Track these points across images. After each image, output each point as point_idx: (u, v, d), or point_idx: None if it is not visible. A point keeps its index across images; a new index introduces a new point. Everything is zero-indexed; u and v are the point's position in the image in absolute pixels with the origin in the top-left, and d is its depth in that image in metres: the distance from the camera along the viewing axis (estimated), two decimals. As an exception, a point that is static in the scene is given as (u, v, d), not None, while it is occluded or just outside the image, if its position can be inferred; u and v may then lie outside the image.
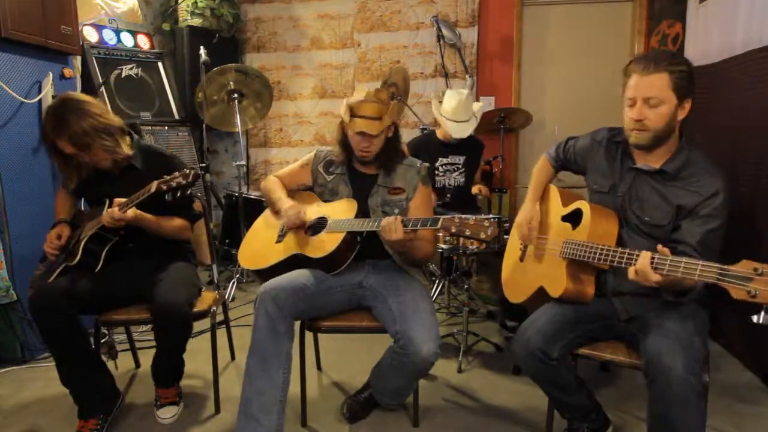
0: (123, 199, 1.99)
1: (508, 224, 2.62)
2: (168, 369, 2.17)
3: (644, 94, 1.61)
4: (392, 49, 4.56)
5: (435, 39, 4.22)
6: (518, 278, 2.04)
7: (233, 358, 2.71)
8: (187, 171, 1.95)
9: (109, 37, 3.78)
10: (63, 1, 2.87)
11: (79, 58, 3.40)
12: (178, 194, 1.95)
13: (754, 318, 1.24)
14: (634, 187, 1.76)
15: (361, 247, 2.00)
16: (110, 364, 2.33)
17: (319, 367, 2.63)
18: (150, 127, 3.71)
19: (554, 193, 2.01)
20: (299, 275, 1.97)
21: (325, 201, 2.14)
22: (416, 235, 1.87)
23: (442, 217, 1.73)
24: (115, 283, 2.06)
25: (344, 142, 2.11)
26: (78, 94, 2.14)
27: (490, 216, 2.63)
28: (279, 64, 4.78)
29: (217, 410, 2.22)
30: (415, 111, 4.00)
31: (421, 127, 3.91)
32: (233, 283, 3.71)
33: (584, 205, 1.82)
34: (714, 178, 1.62)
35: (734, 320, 2.62)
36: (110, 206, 1.99)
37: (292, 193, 2.21)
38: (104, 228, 2.03)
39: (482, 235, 1.65)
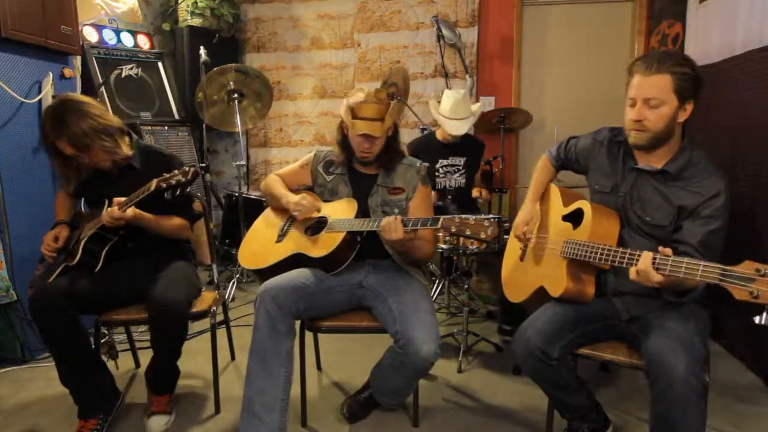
0: (122, 199, 1.99)
1: (508, 224, 2.62)
2: (162, 373, 2.12)
3: (645, 94, 1.61)
4: (392, 49, 4.56)
5: (435, 39, 4.23)
6: (518, 278, 2.04)
7: (233, 358, 2.71)
8: (187, 169, 1.95)
9: (109, 37, 3.78)
10: (63, 1, 2.87)
11: (79, 58, 3.40)
12: (178, 192, 1.95)
13: (756, 319, 1.24)
14: (635, 187, 1.76)
15: (361, 247, 2.00)
16: (110, 364, 2.32)
17: (319, 367, 2.63)
18: (150, 127, 3.71)
19: (555, 192, 2.01)
20: (299, 274, 1.96)
21: (325, 201, 2.14)
22: (416, 235, 1.87)
23: (442, 217, 1.73)
24: (114, 283, 2.06)
25: (344, 143, 2.11)
26: (77, 95, 2.14)
27: (490, 216, 2.63)
28: (279, 64, 4.78)
29: (217, 410, 2.22)
30: (415, 111, 4.00)
31: (421, 127, 3.91)
32: (233, 283, 3.71)
33: (585, 205, 1.82)
34: (715, 178, 1.62)
35: (736, 321, 2.62)
36: (110, 206, 1.99)
37: (292, 192, 2.21)
38: (104, 228, 2.03)
39: (482, 235, 1.65)
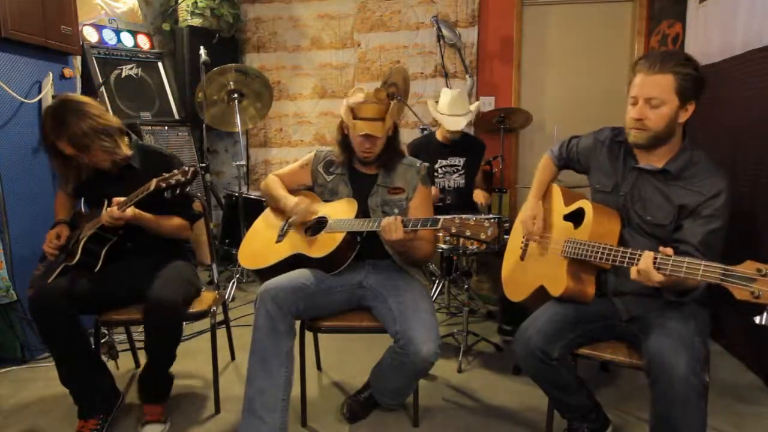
0: (122, 199, 1.99)
1: (508, 224, 2.62)
2: (156, 380, 2.08)
3: (647, 93, 1.61)
4: (392, 49, 4.56)
5: (435, 39, 4.23)
6: (518, 277, 2.04)
7: (233, 358, 2.71)
8: (186, 168, 1.95)
9: (109, 37, 3.78)
10: (63, 1, 2.87)
11: (79, 58, 3.40)
12: (177, 192, 1.95)
13: (757, 319, 1.24)
14: (636, 186, 1.76)
15: (361, 247, 2.00)
16: (110, 364, 2.33)
17: (319, 367, 2.63)
18: (150, 127, 3.71)
19: (556, 192, 2.01)
20: (299, 275, 1.97)
21: (325, 201, 2.14)
22: (416, 235, 1.87)
23: (443, 217, 1.73)
24: (114, 283, 2.05)
25: (344, 143, 2.11)
26: (76, 95, 2.14)
27: (491, 216, 2.63)
28: (279, 64, 4.78)
29: (217, 410, 2.22)
30: (415, 111, 4.00)
31: (421, 127, 3.91)
32: (233, 283, 3.71)
33: (586, 205, 1.82)
34: (716, 178, 1.62)
35: (736, 321, 2.62)
36: (109, 206, 1.99)
37: (292, 192, 2.21)
38: (103, 228, 2.03)
39: (482, 236, 1.65)
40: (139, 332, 2.88)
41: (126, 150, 2.10)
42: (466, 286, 2.78)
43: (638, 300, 1.73)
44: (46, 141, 2.02)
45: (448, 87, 4.05)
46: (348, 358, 2.71)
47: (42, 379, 2.51)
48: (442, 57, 4.25)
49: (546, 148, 2.13)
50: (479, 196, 3.42)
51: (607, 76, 4.33)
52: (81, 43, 3.23)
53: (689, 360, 1.47)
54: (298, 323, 1.98)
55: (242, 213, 3.72)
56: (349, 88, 4.60)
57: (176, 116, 4.00)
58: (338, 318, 2.05)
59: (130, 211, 1.98)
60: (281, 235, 2.13)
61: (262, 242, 2.19)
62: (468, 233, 1.67)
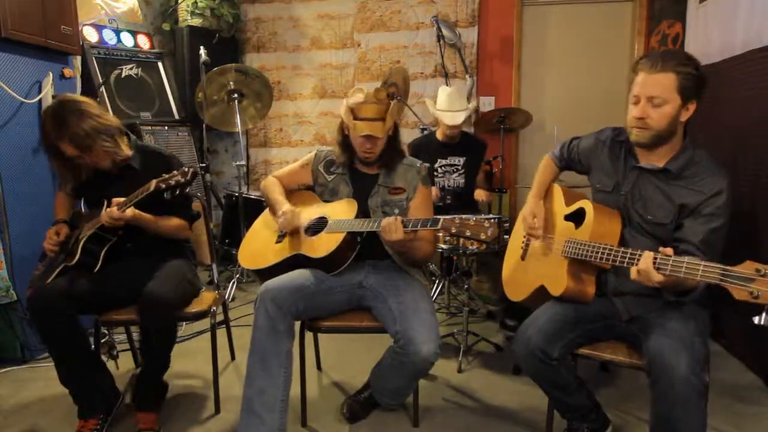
0: (122, 199, 1.99)
1: (508, 224, 2.62)
2: (149, 384, 2.06)
3: (649, 92, 1.61)
4: (392, 49, 4.56)
5: (435, 39, 4.22)
6: (519, 277, 2.04)
7: (233, 358, 2.71)
8: (186, 169, 1.95)
9: (109, 37, 3.78)
10: (63, 1, 2.87)
11: (79, 58, 3.40)
12: (177, 192, 1.95)
13: (756, 319, 1.24)
14: (637, 185, 1.76)
15: (361, 248, 2.00)
16: (110, 364, 2.32)
17: (319, 367, 2.63)
18: (150, 127, 3.70)
19: (557, 192, 2.01)
20: (299, 275, 1.97)
21: (325, 201, 2.14)
22: (416, 236, 1.87)
23: (443, 217, 1.73)
24: (113, 283, 2.05)
25: (344, 143, 2.11)
26: (75, 95, 2.14)
27: (491, 216, 2.63)
28: (279, 64, 4.78)
29: (217, 410, 2.22)
30: (415, 111, 4.00)
31: (421, 127, 3.91)
32: (233, 283, 3.71)
33: (587, 205, 1.82)
34: (717, 177, 1.63)
35: (736, 321, 2.62)
36: (109, 206, 1.99)
37: (291, 192, 2.21)
38: (103, 228, 2.03)
39: (482, 236, 1.65)
40: (139, 332, 2.88)
41: (126, 150, 2.10)
42: (466, 286, 2.78)
43: (638, 300, 1.73)
44: (46, 142, 2.02)
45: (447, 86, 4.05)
46: (348, 358, 2.71)
47: (42, 379, 2.51)
48: (442, 57, 4.25)
49: (546, 148, 2.13)
50: (480, 194, 3.42)
51: (607, 76, 4.33)
52: (81, 43, 3.23)
53: (690, 360, 1.47)
54: (298, 323, 1.98)
55: (242, 213, 3.72)
56: (349, 88, 4.60)
57: (176, 116, 3.99)
58: (338, 318, 2.05)
59: (130, 211, 1.98)
60: (281, 235, 2.13)
61: (262, 242, 2.19)
62: (468, 233, 1.67)
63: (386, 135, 2.03)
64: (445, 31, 4.13)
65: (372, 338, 2.13)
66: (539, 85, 4.50)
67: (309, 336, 2.14)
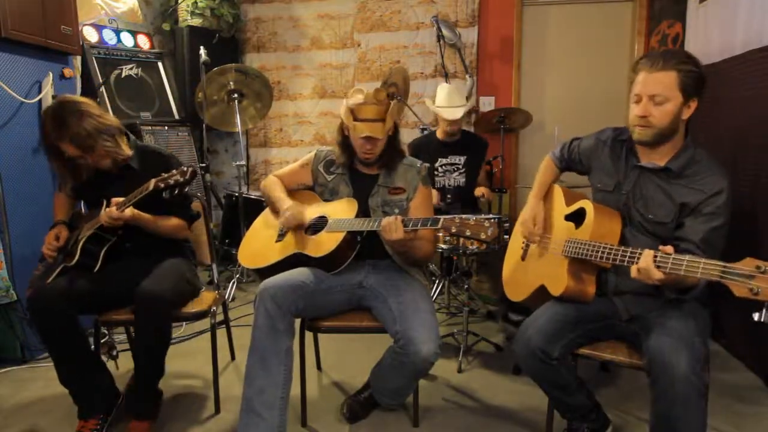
0: (121, 199, 1.99)
1: (508, 224, 2.62)
2: (143, 388, 2.03)
3: (650, 90, 1.61)
4: (392, 49, 4.56)
5: (435, 39, 4.22)
6: (519, 277, 2.04)
7: (233, 358, 2.71)
8: (185, 169, 1.95)
9: (109, 37, 3.78)
10: (63, 1, 2.87)
11: (79, 58, 3.40)
12: (176, 192, 1.95)
13: (756, 316, 1.25)
14: (638, 185, 1.76)
15: (361, 247, 2.00)
16: (110, 364, 2.32)
17: (319, 367, 2.63)
18: (150, 127, 3.70)
19: (558, 192, 2.01)
20: (299, 274, 1.96)
21: (326, 201, 2.14)
22: (416, 235, 1.87)
23: (443, 217, 1.73)
24: (113, 283, 2.05)
25: (345, 144, 2.11)
26: (74, 96, 2.14)
27: (491, 216, 2.63)
28: (279, 64, 4.78)
29: (217, 410, 2.22)
30: (415, 111, 4.00)
31: (421, 127, 3.91)
32: (233, 283, 3.71)
33: (588, 205, 1.82)
34: (718, 176, 1.63)
35: (736, 321, 2.62)
36: (108, 206, 1.99)
37: (292, 192, 2.21)
38: (102, 228, 2.03)
39: (482, 236, 1.65)
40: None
41: (127, 150, 2.10)
42: (466, 286, 2.78)
43: (638, 299, 1.73)
44: (47, 142, 2.02)
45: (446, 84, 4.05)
46: (348, 358, 2.70)
47: (42, 379, 2.51)
48: (442, 57, 4.25)
49: (546, 148, 2.13)
50: (480, 189, 3.42)
51: (607, 76, 4.33)
52: (81, 43, 3.23)
53: (690, 359, 1.47)
54: (297, 323, 1.98)
55: (242, 213, 3.72)
56: (349, 88, 4.61)
57: (176, 116, 3.99)
58: (338, 318, 2.05)
59: (129, 211, 1.98)
60: (281, 234, 2.13)
61: (262, 241, 2.19)
62: (468, 233, 1.67)
63: (386, 136, 2.03)
64: (445, 31, 4.13)
65: (372, 338, 2.13)
66: (539, 85, 4.50)
67: (309, 336, 2.14)
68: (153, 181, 1.95)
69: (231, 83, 3.76)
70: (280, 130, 4.88)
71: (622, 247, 1.57)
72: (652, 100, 1.62)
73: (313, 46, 4.72)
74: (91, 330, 2.16)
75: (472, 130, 4.22)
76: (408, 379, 1.96)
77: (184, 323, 2.97)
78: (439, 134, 3.41)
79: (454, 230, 1.69)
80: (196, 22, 4.37)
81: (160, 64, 3.99)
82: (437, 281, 3.56)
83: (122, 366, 2.56)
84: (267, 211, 2.29)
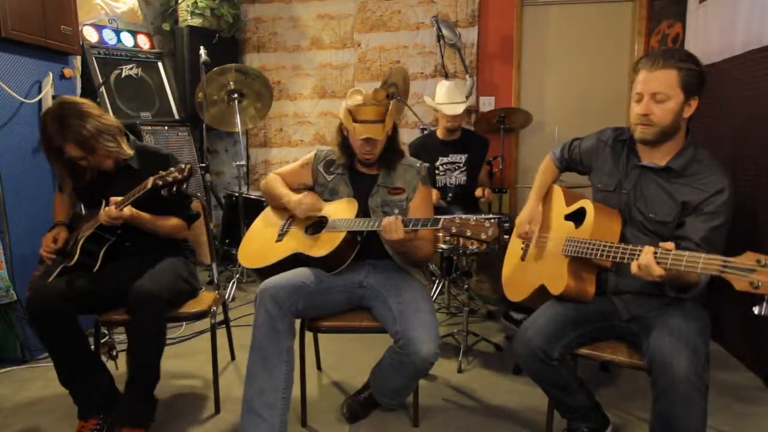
0: (120, 198, 1.99)
1: (508, 224, 2.62)
2: (137, 394, 1.96)
3: (651, 89, 1.62)
4: (392, 49, 4.56)
5: (435, 39, 4.22)
6: (519, 277, 2.04)
7: (233, 358, 2.71)
8: (183, 166, 1.94)
9: (109, 37, 3.78)
10: (63, 1, 2.87)
11: (79, 58, 3.40)
12: (174, 189, 1.95)
13: (756, 309, 1.25)
14: (639, 184, 1.76)
15: (362, 247, 2.00)
16: (110, 365, 2.32)
17: (319, 367, 2.63)
18: (150, 127, 3.70)
19: (558, 192, 2.02)
20: (299, 273, 1.96)
21: (325, 201, 2.14)
22: (416, 235, 1.87)
23: (443, 217, 1.73)
24: (113, 283, 2.05)
25: (344, 145, 2.11)
26: (73, 97, 2.13)
27: (491, 216, 2.63)
28: (279, 64, 4.78)
29: (217, 410, 2.22)
30: (415, 111, 4.00)
31: (421, 127, 3.91)
32: (233, 283, 3.71)
33: (588, 204, 1.82)
34: (719, 175, 1.63)
35: (736, 321, 2.62)
36: (107, 205, 1.99)
37: (292, 192, 2.21)
38: (101, 228, 2.03)
39: (483, 236, 1.65)
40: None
41: (128, 150, 2.10)
42: (466, 286, 2.78)
43: (638, 299, 1.73)
44: (47, 144, 2.01)
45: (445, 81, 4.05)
46: (348, 358, 2.70)
47: (42, 379, 2.51)
48: (442, 57, 4.25)
49: (546, 148, 2.13)
50: (480, 190, 3.42)
51: (607, 76, 4.33)
52: (81, 43, 3.23)
53: (690, 359, 1.47)
54: (298, 322, 1.98)
55: (242, 213, 3.72)
56: (349, 88, 4.62)
57: (176, 116, 3.99)
58: (338, 318, 2.05)
59: (128, 210, 1.98)
60: (281, 234, 2.13)
61: (262, 241, 2.19)
62: (468, 233, 1.67)
63: (386, 136, 2.03)
64: (445, 31, 4.13)
65: (372, 338, 2.13)
66: (539, 85, 4.50)
67: (309, 336, 2.14)
68: (151, 179, 1.95)
69: (231, 83, 3.76)
70: (280, 130, 4.88)
71: (622, 245, 1.57)
72: (654, 99, 1.62)
73: (313, 46, 4.72)
74: (91, 330, 2.16)
75: (472, 129, 4.22)
76: (408, 379, 1.96)
77: (184, 323, 2.97)
78: (439, 133, 3.40)
79: (454, 230, 1.69)
80: (196, 22, 4.37)
81: (160, 64, 3.99)
82: (437, 281, 3.56)
83: (122, 366, 2.53)
84: (267, 211, 2.29)
